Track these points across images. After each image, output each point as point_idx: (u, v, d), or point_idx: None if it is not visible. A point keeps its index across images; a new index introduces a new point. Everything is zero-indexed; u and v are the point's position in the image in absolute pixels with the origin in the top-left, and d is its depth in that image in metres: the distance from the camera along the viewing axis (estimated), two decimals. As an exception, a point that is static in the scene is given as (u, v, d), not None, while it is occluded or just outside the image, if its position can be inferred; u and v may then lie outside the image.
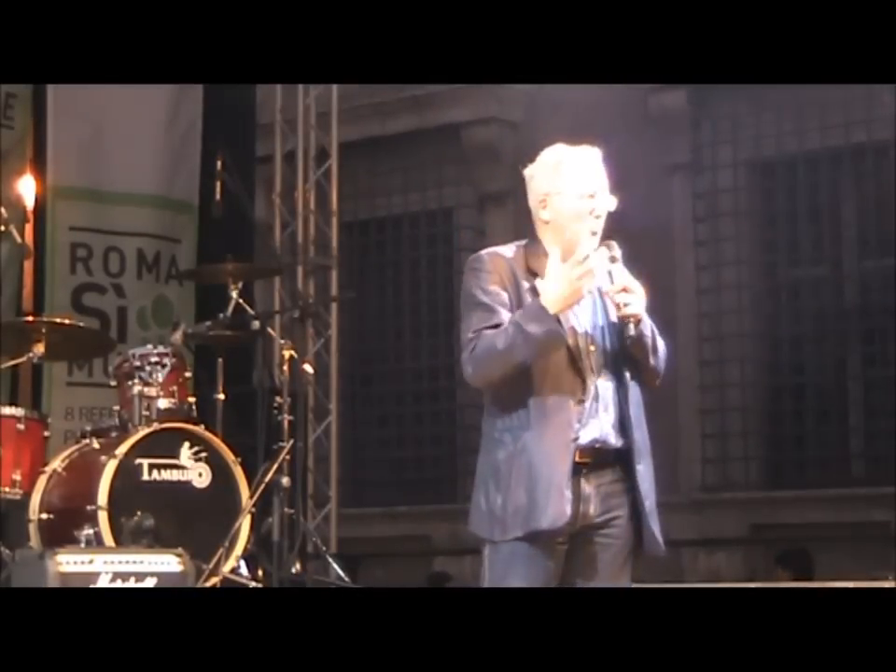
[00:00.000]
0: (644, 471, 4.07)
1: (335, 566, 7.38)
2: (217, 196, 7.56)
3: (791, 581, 7.91)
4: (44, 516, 6.52)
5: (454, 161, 10.19)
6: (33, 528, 6.52)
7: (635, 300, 3.98)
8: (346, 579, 7.25)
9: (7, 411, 6.62)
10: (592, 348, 4.01)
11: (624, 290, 3.98)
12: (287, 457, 6.95)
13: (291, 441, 7.05)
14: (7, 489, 6.47)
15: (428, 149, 10.43)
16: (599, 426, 4.00)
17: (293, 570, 7.02)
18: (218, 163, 7.57)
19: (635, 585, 4.09)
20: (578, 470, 3.96)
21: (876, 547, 7.85)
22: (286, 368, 7.33)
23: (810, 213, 9.53)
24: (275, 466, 6.79)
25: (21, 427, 6.57)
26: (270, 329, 7.48)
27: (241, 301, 7.20)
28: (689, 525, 9.36)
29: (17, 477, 6.51)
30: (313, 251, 9.65)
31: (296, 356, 7.38)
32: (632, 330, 3.98)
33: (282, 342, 7.55)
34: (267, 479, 6.71)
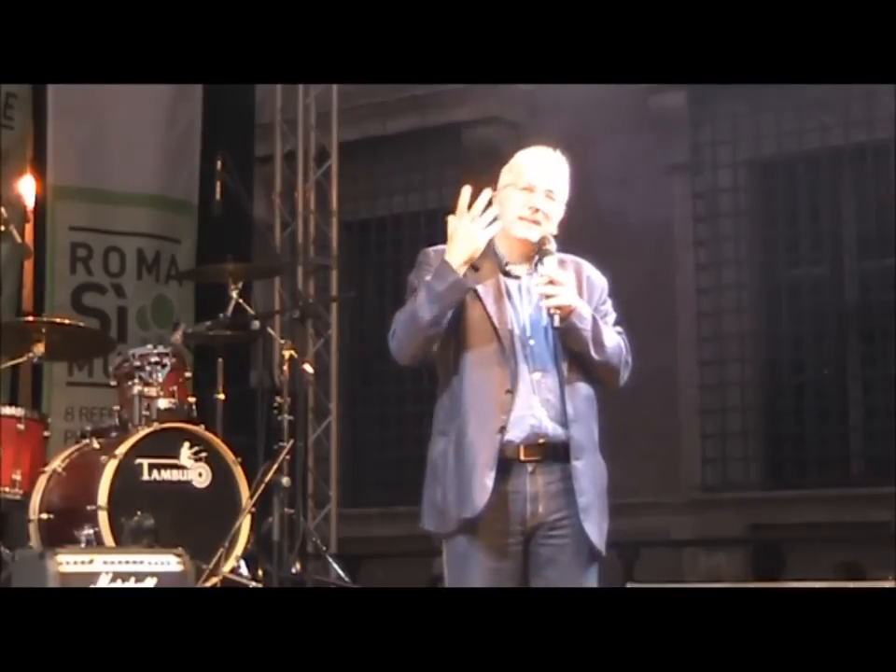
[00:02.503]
0: (582, 468, 4.04)
1: (335, 566, 7.39)
2: (217, 196, 7.56)
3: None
4: (44, 516, 6.53)
5: (454, 160, 10.19)
6: (33, 528, 6.52)
7: (560, 291, 4.00)
8: (346, 579, 7.25)
9: (7, 411, 6.62)
10: (532, 342, 4.06)
11: (550, 282, 4.00)
12: (287, 457, 6.95)
13: (291, 441, 7.05)
14: (7, 489, 6.48)
15: (429, 149, 10.43)
16: (538, 419, 4.01)
17: (293, 570, 7.02)
18: (218, 163, 7.57)
19: (635, 585, 4.09)
20: (524, 469, 4.00)
21: (876, 547, 7.84)
22: (286, 368, 7.33)
23: (810, 213, 9.53)
24: (275, 466, 6.79)
25: (21, 426, 6.58)
26: (270, 329, 7.48)
27: (241, 301, 7.20)
28: (689, 525, 9.37)
29: (17, 477, 6.51)
30: (313, 251, 9.66)
31: (296, 356, 7.38)
32: (556, 322, 3.99)
33: (282, 342, 7.54)
34: (267, 479, 6.71)
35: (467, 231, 4.00)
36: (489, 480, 3.95)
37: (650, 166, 9.56)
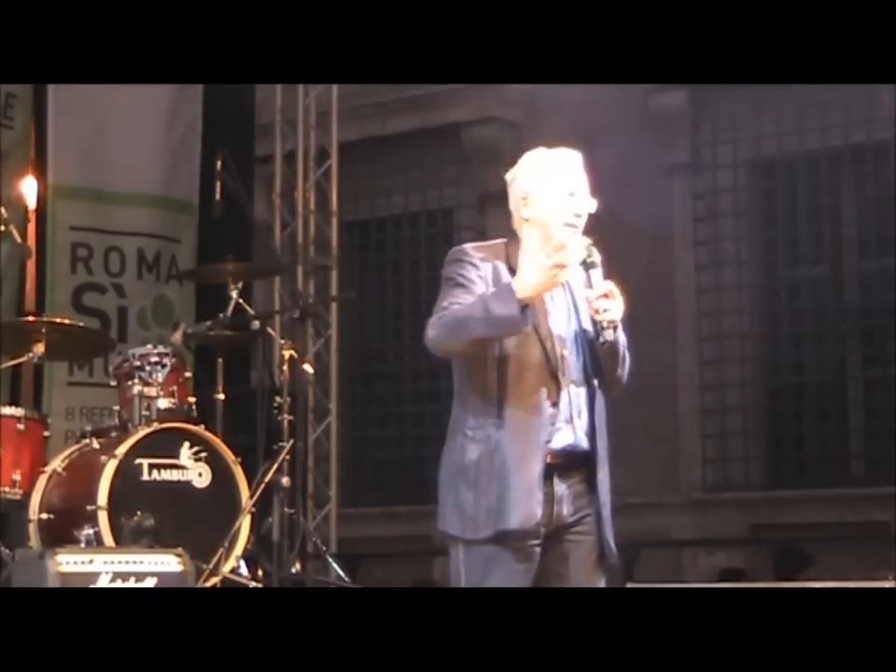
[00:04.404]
0: (603, 479, 4.08)
1: (335, 566, 7.39)
2: (217, 196, 7.56)
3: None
4: (44, 516, 6.53)
5: (454, 160, 10.19)
6: (33, 528, 6.52)
7: (614, 305, 4.00)
8: (346, 579, 7.25)
9: (7, 411, 6.63)
10: (565, 353, 4.05)
11: (605, 296, 3.99)
12: (287, 457, 6.95)
13: (291, 441, 7.05)
14: (7, 489, 6.48)
15: (428, 149, 10.43)
16: (573, 431, 4.03)
17: (293, 570, 7.02)
18: (218, 163, 7.57)
19: (635, 585, 4.10)
20: (551, 472, 4.00)
21: (876, 547, 7.84)
22: (286, 368, 7.32)
23: (810, 213, 9.53)
24: (275, 466, 6.79)
25: (21, 427, 6.58)
26: (270, 329, 7.48)
27: (241, 301, 7.21)
28: (689, 525, 9.37)
29: (17, 477, 6.52)
30: (313, 251, 9.66)
31: (296, 356, 7.38)
32: (611, 336, 3.99)
33: (282, 342, 7.54)
34: (267, 479, 6.71)
35: (545, 267, 3.89)
36: (541, 493, 3.95)
37: (650, 166, 9.56)
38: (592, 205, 4.12)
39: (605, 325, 3.99)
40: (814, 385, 9.47)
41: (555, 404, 4.00)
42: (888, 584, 5.96)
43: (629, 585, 6.33)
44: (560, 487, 4.01)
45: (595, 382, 4.07)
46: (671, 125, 9.71)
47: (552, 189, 4.10)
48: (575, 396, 4.04)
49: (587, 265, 4.05)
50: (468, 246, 4.13)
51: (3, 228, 6.89)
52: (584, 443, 4.04)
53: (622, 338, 4.05)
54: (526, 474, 3.94)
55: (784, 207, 9.61)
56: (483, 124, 10.23)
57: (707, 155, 9.74)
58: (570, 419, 4.02)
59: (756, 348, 9.61)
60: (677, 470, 9.51)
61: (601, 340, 4.01)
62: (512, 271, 4.01)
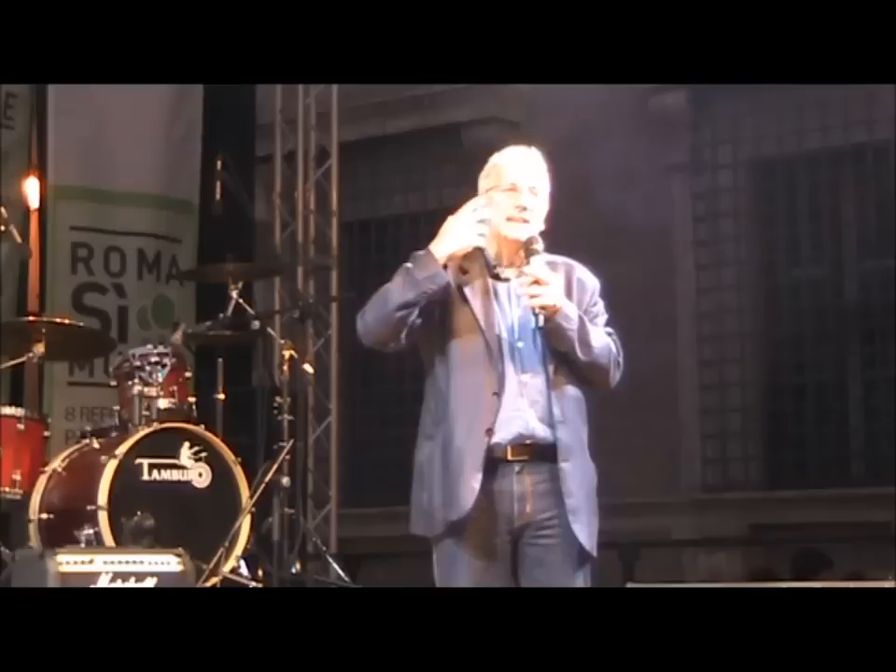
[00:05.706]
0: (570, 469, 4.04)
1: (335, 566, 7.38)
2: (217, 196, 7.55)
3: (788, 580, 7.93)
4: (44, 516, 6.52)
5: (454, 160, 10.19)
6: (33, 528, 6.52)
7: (545, 291, 4.01)
8: (346, 579, 7.25)
9: (7, 411, 6.61)
10: (520, 344, 4.07)
11: (536, 282, 4.01)
12: (287, 457, 6.94)
13: (291, 441, 7.05)
14: (7, 489, 6.47)
15: (429, 149, 10.44)
16: (524, 420, 4.02)
17: (293, 570, 7.02)
18: (218, 163, 7.57)
19: (635, 585, 4.09)
20: (511, 469, 4.01)
21: (876, 547, 7.85)
22: (286, 368, 7.32)
23: (810, 213, 9.54)
24: (275, 466, 6.79)
25: (21, 427, 6.57)
26: (270, 329, 7.48)
27: (241, 301, 7.20)
28: (689, 525, 9.37)
29: (17, 477, 6.50)
30: (313, 251, 9.66)
31: (296, 356, 7.37)
32: (542, 321, 4.00)
33: (282, 342, 7.53)
34: (267, 479, 6.71)
35: (458, 228, 4.03)
36: (476, 482, 3.96)
37: (650, 166, 9.57)
38: (539, 199, 4.13)
39: (536, 311, 4.00)
40: (814, 385, 9.47)
41: (496, 394, 4.00)
42: (888, 584, 5.96)
43: (629, 585, 6.34)
44: (522, 485, 4.01)
45: (556, 370, 4.05)
46: (671, 125, 9.72)
47: (493, 187, 4.15)
48: (529, 385, 4.03)
49: (528, 253, 4.07)
50: (419, 253, 4.18)
51: (3, 228, 6.88)
52: (541, 432, 4.02)
53: (567, 321, 4.01)
54: (465, 463, 3.97)
55: (784, 207, 9.62)
56: (483, 124, 10.24)
57: (707, 155, 9.75)
58: (520, 409, 4.02)
59: (756, 348, 9.62)
60: (677, 470, 9.52)
61: (538, 326, 4.02)
62: (462, 271, 4.10)
